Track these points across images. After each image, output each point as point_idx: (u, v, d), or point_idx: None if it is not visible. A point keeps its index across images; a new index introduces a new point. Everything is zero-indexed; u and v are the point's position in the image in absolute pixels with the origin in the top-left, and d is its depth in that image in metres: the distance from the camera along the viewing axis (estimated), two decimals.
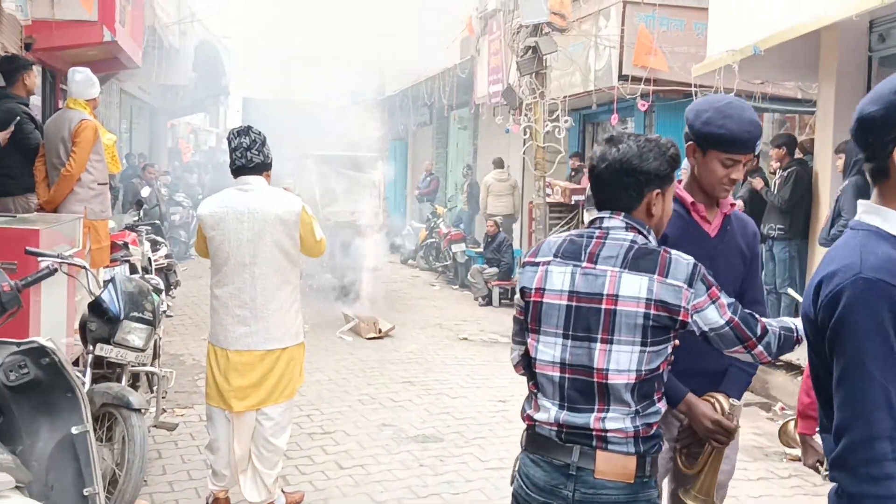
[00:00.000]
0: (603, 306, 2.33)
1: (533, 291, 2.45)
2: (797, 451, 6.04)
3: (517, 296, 2.55)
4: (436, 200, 18.42)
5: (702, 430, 2.69)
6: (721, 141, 2.73)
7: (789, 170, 8.11)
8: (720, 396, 2.71)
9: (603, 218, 2.45)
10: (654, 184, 2.42)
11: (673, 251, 2.38)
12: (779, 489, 5.37)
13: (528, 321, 2.47)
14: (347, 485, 5.19)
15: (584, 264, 2.38)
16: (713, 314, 2.35)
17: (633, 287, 2.31)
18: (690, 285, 2.32)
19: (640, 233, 2.41)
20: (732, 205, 2.95)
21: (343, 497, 5.01)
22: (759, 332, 2.42)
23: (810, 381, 3.17)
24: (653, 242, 2.43)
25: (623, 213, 2.43)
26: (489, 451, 5.83)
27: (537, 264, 2.47)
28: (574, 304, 2.37)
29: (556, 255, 2.44)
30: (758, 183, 8.17)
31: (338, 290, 11.39)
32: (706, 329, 2.36)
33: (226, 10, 22.77)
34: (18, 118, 6.31)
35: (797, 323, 2.52)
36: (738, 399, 2.86)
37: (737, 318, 2.38)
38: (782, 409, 7.13)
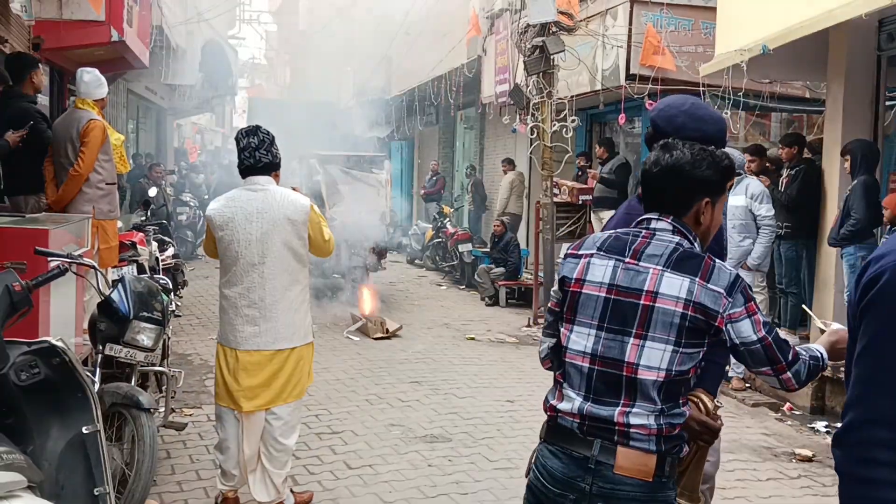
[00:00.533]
0: (641, 302, 2.35)
1: (573, 282, 2.47)
2: (807, 452, 6.05)
3: (554, 286, 2.58)
4: (441, 200, 18.43)
5: (689, 432, 2.70)
6: (701, 141, 2.75)
7: (797, 168, 8.09)
8: (703, 396, 2.71)
9: (651, 219, 2.48)
10: (704, 192, 2.45)
11: (717, 260, 2.40)
12: (788, 490, 5.35)
13: (564, 311, 2.49)
14: (356, 485, 5.18)
15: (627, 259, 2.42)
16: (747, 328, 2.35)
17: (674, 287, 2.34)
18: (730, 295, 2.33)
19: (687, 237, 2.44)
20: None
21: (352, 497, 5.01)
22: (790, 357, 2.42)
23: None
24: (697, 249, 2.45)
25: (672, 217, 2.46)
26: (498, 451, 5.83)
27: (580, 256, 2.50)
28: (613, 296, 2.40)
29: (599, 249, 2.48)
30: (764, 181, 8.14)
31: (345, 291, 11.39)
32: (738, 342, 2.36)
33: (235, 10, 22.76)
34: (33, 120, 6.31)
35: (822, 350, 2.56)
36: (715, 394, 2.87)
37: (770, 339, 2.38)
38: (790, 409, 7.11)
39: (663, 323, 2.32)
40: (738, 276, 2.38)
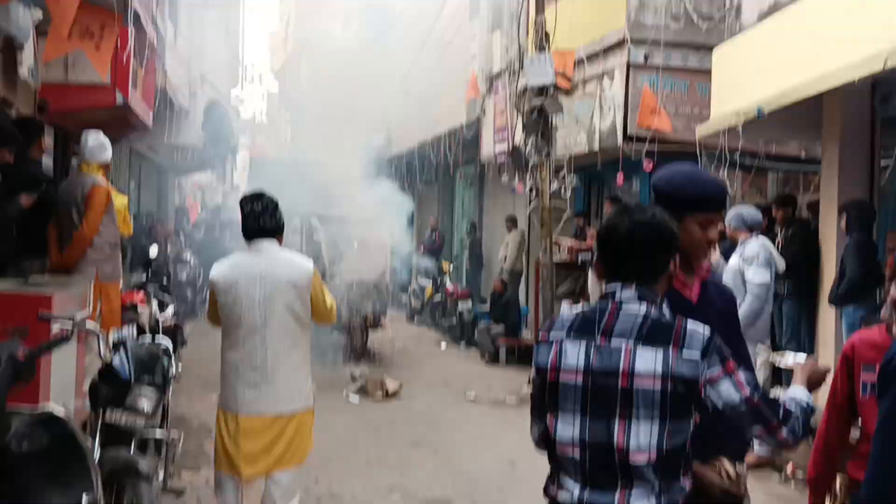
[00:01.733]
0: (619, 383, 2.30)
1: (548, 370, 2.43)
2: None
3: (532, 373, 2.53)
4: (441, 256, 18.47)
5: (711, 501, 2.66)
6: (701, 201, 2.82)
7: (791, 229, 8.13)
8: (726, 463, 2.68)
9: (614, 291, 2.44)
10: (670, 250, 2.44)
11: (689, 321, 2.36)
12: None
13: (546, 399, 2.45)
14: None
15: (598, 340, 2.37)
16: (728, 389, 2.30)
17: (649, 362, 2.28)
18: (704, 357, 2.28)
19: (654, 303, 2.40)
20: (708, 270, 3.00)
21: None
22: (781, 414, 2.37)
23: (818, 455, 3.18)
24: (667, 314, 2.41)
25: (635, 284, 2.41)
26: None
27: (551, 342, 2.45)
28: (590, 381, 2.35)
29: (569, 332, 2.43)
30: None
31: (345, 349, 11.36)
32: (720, 405, 2.31)
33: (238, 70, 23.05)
34: (45, 185, 6.40)
35: (805, 395, 2.50)
36: (741, 461, 2.84)
37: (755, 399, 2.33)
38: (793, 471, 7.04)
39: (645, 401, 2.27)
40: (712, 335, 2.32)
